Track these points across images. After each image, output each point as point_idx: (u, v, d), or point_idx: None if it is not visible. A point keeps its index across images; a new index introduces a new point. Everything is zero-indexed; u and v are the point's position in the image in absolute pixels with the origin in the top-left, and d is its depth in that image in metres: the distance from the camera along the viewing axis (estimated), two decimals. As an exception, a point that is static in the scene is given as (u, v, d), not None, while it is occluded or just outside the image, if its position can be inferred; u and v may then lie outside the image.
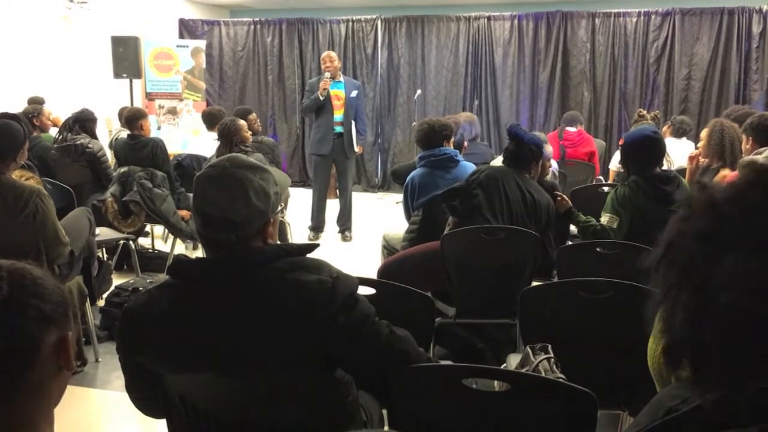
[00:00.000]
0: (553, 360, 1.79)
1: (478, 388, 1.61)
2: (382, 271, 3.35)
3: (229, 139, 5.00)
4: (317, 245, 1.65)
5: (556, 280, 3.48)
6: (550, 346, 1.86)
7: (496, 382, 1.65)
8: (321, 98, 6.21)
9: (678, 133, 5.62)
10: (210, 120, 6.02)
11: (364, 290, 1.91)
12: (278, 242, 1.68)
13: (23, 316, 0.98)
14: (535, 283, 3.45)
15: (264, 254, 1.54)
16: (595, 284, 2.33)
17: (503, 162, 3.57)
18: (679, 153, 5.32)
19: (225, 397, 1.57)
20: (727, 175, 3.84)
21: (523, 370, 1.78)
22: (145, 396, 1.68)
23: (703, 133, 4.28)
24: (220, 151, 4.99)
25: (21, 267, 1.02)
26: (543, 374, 1.72)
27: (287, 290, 1.50)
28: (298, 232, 6.33)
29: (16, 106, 5.84)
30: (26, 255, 2.96)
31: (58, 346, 1.01)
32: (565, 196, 3.69)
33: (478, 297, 3.27)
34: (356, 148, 6.54)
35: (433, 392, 1.59)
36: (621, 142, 4.20)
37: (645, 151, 3.45)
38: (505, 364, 2.45)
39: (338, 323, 1.49)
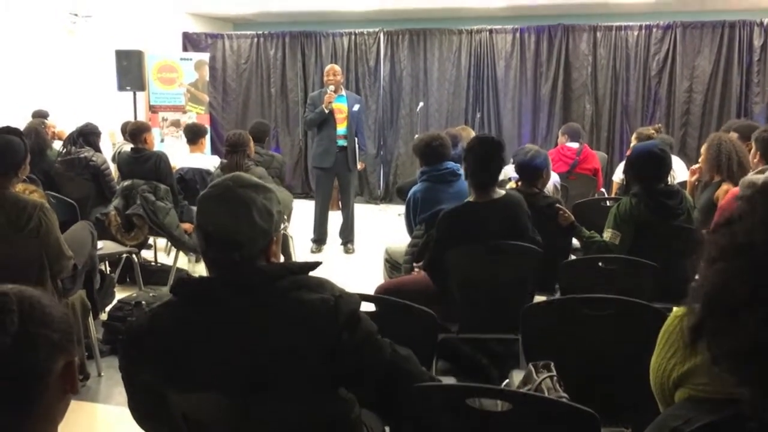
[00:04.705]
0: (555, 378, 1.79)
1: (481, 406, 1.61)
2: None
3: (237, 150, 5.03)
4: (320, 263, 1.66)
5: (558, 294, 3.49)
6: (552, 363, 1.86)
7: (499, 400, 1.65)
8: (326, 111, 6.23)
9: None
10: (195, 133, 5.94)
11: (365, 306, 1.91)
12: (281, 260, 1.69)
13: (34, 348, 0.99)
14: (537, 298, 3.46)
15: (267, 273, 1.55)
16: (597, 301, 2.33)
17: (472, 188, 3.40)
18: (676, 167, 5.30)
19: (228, 416, 1.57)
20: (728, 189, 3.84)
21: (526, 389, 1.78)
22: (148, 414, 1.68)
23: (703, 148, 4.30)
24: (228, 161, 5.03)
25: (29, 295, 1.03)
26: (546, 393, 1.72)
27: (290, 309, 1.50)
28: (300, 245, 6.34)
29: (21, 119, 5.87)
30: (30, 269, 3.00)
31: (64, 371, 1.02)
32: (567, 211, 3.69)
33: (480, 312, 3.27)
34: (358, 165, 6.56)
35: (436, 411, 1.59)
36: (628, 152, 4.22)
37: (650, 167, 3.47)
38: (507, 380, 2.45)
39: (341, 342, 1.50)
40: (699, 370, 1.39)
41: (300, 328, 1.49)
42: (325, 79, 6.42)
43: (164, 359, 1.53)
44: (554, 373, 1.81)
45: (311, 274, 1.60)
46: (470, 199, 3.37)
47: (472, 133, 5.59)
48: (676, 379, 1.43)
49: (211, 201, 1.55)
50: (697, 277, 0.96)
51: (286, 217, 5.40)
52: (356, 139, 6.47)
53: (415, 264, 3.72)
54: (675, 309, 1.50)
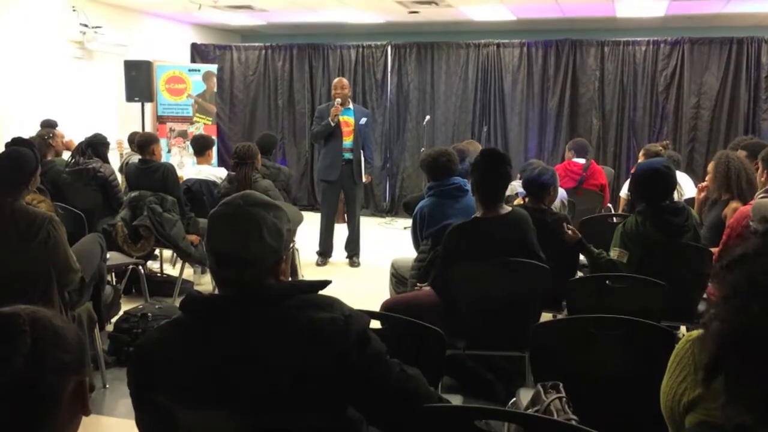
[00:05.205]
0: (564, 399, 1.78)
1: (489, 428, 1.60)
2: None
3: (246, 162, 5.04)
4: (329, 282, 1.65)
5: (565, 312, 3.48)
6: (561, 384, 1.85)
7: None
8: (332, 124, 6.25)
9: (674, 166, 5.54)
10: (202, 144, 5.92)
11: (372, 323, 1.90)
12: (290, 278, 1.69)
13: (45, 369, 0.99)
14: (545, 315, 3.44)
15: (276, 292, 1.55)
16: (606, 320, 2.32)
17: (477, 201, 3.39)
18: (684, 185, 5.32)
19: (236, 434, 1.56)
20: (737, 207, 3.83)
21: (534, 410, 1.77)
22: (155, 431, 1.68)
23: (710, 166, 4.29)
24: (237, 173, 5.04)
25: (42, 316, 1.03)
26: (555, 414, 1.71)
27: (299, 328, 1.50)
28: (306, 257, 6.34)
29: (30, 129, 5.90)
30: (37, 281, 3.00)
31: (75, 392, 1.02)
32: (574, 229, 3.67)
33: (487, 328, 3.26)
34: (364, 178, 6.57)
35: (444, 432, 1.59)
36: (633, 170, 4.21)
37: (654, 184, 3.45)
38: (514, 399, 2.43)
39: (350, 362, 1.49)
40: (711, 396, 1.38)
41: (309, 347, 1.49)
42: (332, 92, 6.44)
43: (172, 376, 1.53)
44: (563, 394, 1.80)
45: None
46: (477, 214, 3.36)
47: (480, 148, 5.59)
48: (687, 403, 1.42)
49: (222, 219, 1.56)
50: (705, 304, 0.96)
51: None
52: (363, 152, 6.49)
53: (418, 284, 3.72)
54: (686, 333, 1.50)
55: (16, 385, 0.97)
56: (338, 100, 6.27)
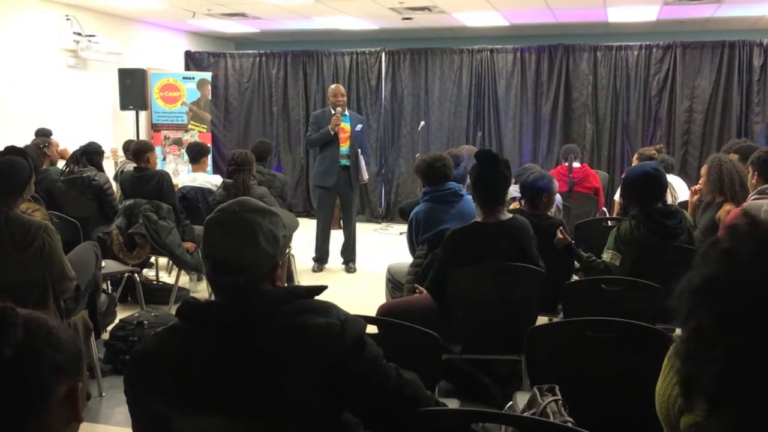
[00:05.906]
0: (560, 402, 1.79)
1: (486, 431, 1.60)
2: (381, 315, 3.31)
3: (243, 168, 5.05)
4: (325, 287, 1.66)
5: (561, 315, 3.49)
6: (557, 387, 1.86)
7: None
8: (332, 133, 6.26)
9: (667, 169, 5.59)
10: (197, 152, 5.94)
11: (368, 328, 1.91)
12: (286, 284, 1.69)
13: (36, 364, 0.98)
14: (540, 318, 3.45)
15: (272, 297, 1.55)
16: (601, 323, 2.33)
17: (476, 204, 3.38)
18: (678, 188, 5.35)
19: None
20: (730, 210, 3.85)
21: (530, 413, 1.78)
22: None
23: (703, 169, 4.31)
24: (234, 180, 5.04)
25: (37, 316, 1.03)
26: (551, 417, 1.72)
27: (295, 334, 1.50)
28: (301, 263, 6.34)
29: (24, 138, 5.90)
30: (32, 290, 2.99)
31: (67, 396, 1.01)
32: (564, 232, 3.67)
33: (483, 332, 3.26)
34: (365, 177, 6.59)
35: (441, 436, 1.59)
36: (623, 176, 4.23)
37: (645, 188, 3.47)
38: (511, 402, 2.44)
39: (346, 367, 1.50)
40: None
41: (305, 353, 1.49)
42: (332, 100, 6.39)
43: (169, 383, 1.53)
44: (559, 396, 1.81)
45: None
46: (478, 219, 3.37)
47: (474, 150, 5.61)
48: (681, 405, 1.43)
49: (218, 226, 1.56)
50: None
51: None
52: (359, 152, 6.50)
53: (416, 285, 3.72)
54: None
55: (4, 376, 0.95)
56: (339, 109, 6.27)
